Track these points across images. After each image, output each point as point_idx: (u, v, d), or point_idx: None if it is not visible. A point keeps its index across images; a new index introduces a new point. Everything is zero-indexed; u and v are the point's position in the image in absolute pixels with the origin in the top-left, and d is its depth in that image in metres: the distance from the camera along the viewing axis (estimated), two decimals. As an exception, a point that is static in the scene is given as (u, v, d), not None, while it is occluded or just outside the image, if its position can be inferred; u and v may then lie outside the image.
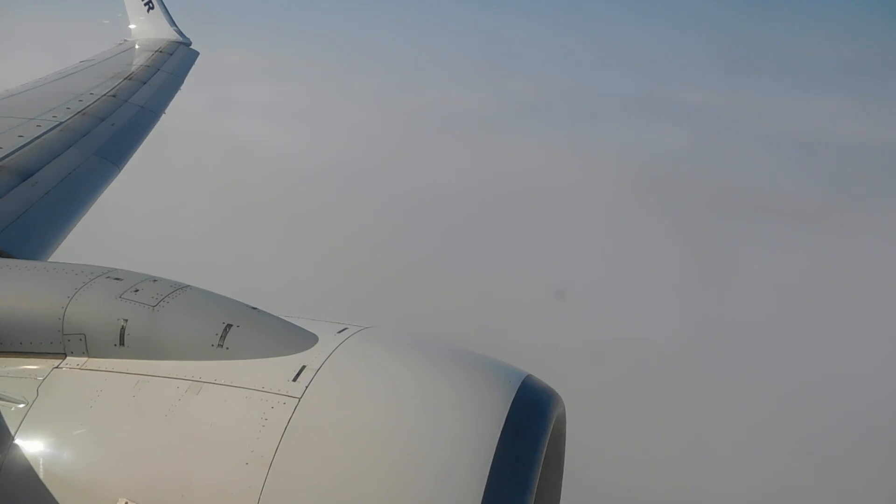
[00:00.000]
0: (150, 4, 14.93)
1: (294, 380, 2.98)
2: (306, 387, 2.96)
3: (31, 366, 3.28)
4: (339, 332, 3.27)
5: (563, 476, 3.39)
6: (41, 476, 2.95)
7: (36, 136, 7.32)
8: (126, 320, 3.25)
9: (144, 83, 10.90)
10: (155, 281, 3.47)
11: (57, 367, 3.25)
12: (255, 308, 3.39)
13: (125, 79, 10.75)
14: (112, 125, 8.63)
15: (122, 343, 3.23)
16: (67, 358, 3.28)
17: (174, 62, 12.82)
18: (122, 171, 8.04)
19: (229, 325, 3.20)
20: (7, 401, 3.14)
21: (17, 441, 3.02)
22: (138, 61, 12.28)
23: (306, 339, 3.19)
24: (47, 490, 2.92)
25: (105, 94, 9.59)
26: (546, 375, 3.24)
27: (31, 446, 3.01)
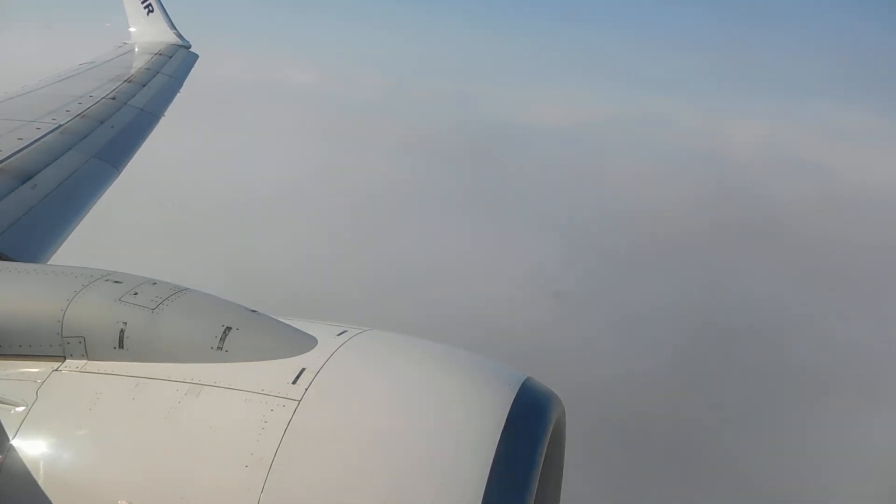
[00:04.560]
0: (150, 7, 14.96)
1: (293, 382, 2.98)
2: (306, 389, 2.96)
3: (31, 368, 3.27)
4: (339, 334, 3.27)
5: (563, 478, 3.40)
6: (40, 479, 2.94)
7: (35, 138, 7.32)
8: (125, 323, 3.25)
9: (144, 86, 10.91)
10: (154, 283, 3.46)
11: (56, 370, 3.24)
12: (254, 311, 3.39)
13: (125, 81, 10.76)
14: (111, 128, 8.63)
15: (121, 346, 3.22)
16: (67, 360, 3.28)
17: (174, 65, 12.84)
18: (122, 174, 8.05)
19: (228, 328, 3.20)
20: (6, 403, 3.14)
21: (16, 444, 3.02)
22: (138, 64, 12.29)
23: (305, 342, 3.19)
24: (47, 493, 2.92)
25: (105, 97, 9.60)
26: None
27: (30, 449, 3.01)
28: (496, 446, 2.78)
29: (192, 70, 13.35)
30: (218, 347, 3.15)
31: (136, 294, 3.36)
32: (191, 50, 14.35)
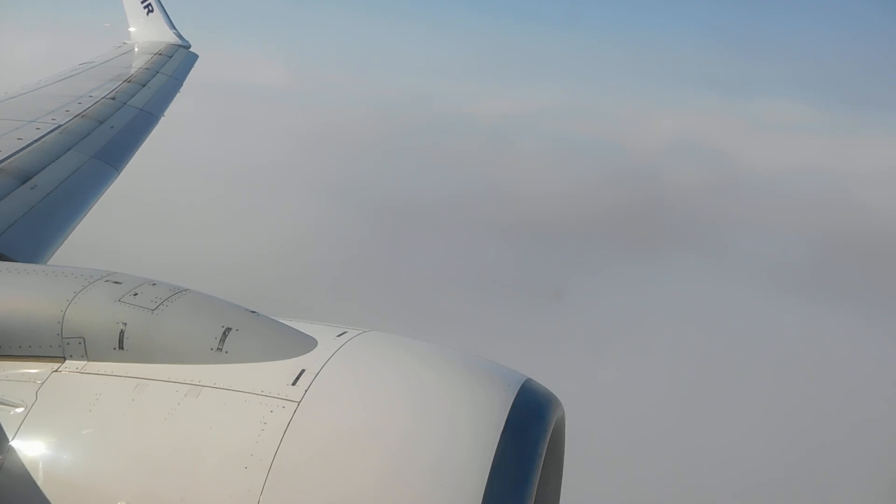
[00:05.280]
0: (150, 7, 14.98)
1: (293, 384, 2.98)
2: (305, 391, 2.96)
3: (31, 369, 3.27)
4: (339, 335, 3.27)
5: (563, 479, 3.40)
6: (40, 480, 2.94)
7: (35, 138, 7.32)
8: (125, 324, 3.25)
9: (144, 86, 10.91)
10: (154, 284, 3.46)
11: (56, 371, 3.25)
12: (254, 311, 3.39)
13: (124, 81, 10.77)
14: (111, 128, 8.63)
15: (121, 346, 3.22)
16: (66, 361, 3.28)
17: (173, 65, 12.84)
18: (122, 174, 8.05)
19: (228, 329, 3.20)
20: (6, 404, 3.14)
21: (16, 445, 3.02)
22: (137, 64, 12.30)
23: (305, 343, 3.19)
24: (46, 494, 2.92)
25: (104, 97, 9.60)
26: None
27: (29, 450, 3.01)
28: (496, 447, 2.79)
29: (192, 70, 13.36)
30: (218, 348, 3.15)
31: (136, 295, 3.36)
32: (190, 50, 14.36)
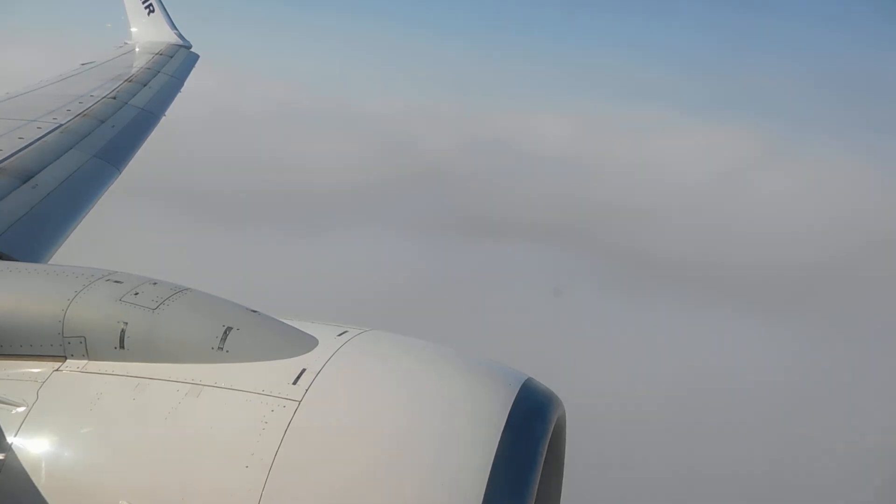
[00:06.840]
0: (151, 8, 15.02)
1: (294, 383, 2.98)
2: (306, 390, 2.96)
3: (31, 368, 3.27)
4: (340, 334, 3.27)
5: (563, 479, 3.40)
6: (41, 479, 2.94)
7: (36, 137, 7.33)
8: (126, 323, 3.25)
9: (145, 85, 10.93)
10: (155, 284, 3.47)
11: (57, 370, 3.25)
12: (255, 311, 3.39)
13: (126, 81, 10.78)
14: (112, 127, 8.64)
15: (122, 346, 3.23)
16: (67, 360, 3.28)
17: (174, 65, 12.87)
18: (123, 173, 8.06)
19: (229, 328, 3.21)
20: (7, 403, 3.14)
21: (17, 444, 3.02)
22: (139, 64, 12.32)
23: (306, 342, 3.19)
24: (47, 493, 2.92)
25: (105, 97, 9.61)
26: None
27: (30, 449, 3.01)
28: (497, 446, 2.79)
29: (193, 70, 13.38)
30: (219, 348, 3.15)
31: (136, 294, 3.36)
32: (191, 50, 14.39)
